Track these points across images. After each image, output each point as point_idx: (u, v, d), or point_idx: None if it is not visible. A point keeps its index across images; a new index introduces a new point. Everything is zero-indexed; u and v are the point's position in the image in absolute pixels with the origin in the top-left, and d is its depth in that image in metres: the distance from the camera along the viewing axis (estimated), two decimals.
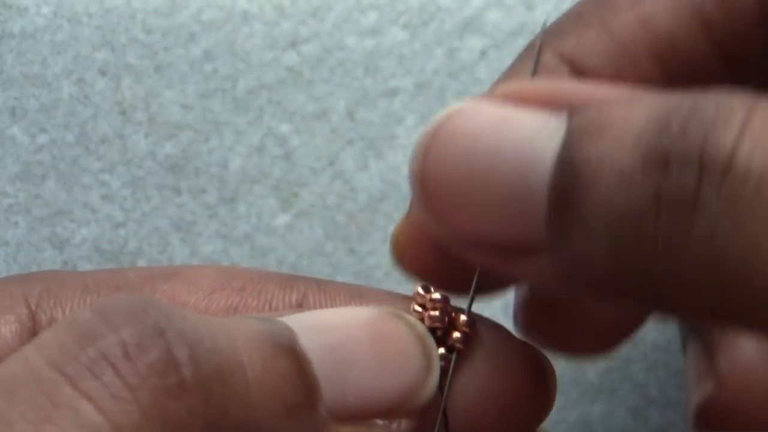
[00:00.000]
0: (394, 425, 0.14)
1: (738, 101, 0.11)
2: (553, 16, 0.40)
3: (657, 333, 0.36)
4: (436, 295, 0.16)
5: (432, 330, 0.16)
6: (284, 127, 0.37)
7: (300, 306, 0.16)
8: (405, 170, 0.37)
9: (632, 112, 0.11)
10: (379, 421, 0.14)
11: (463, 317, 0.16)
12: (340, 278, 0.36)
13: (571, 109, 0.12)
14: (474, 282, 0.16)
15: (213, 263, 0.36)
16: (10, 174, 0.37)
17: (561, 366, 0.36)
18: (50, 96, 0.38)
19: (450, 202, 0.14)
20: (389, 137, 0.37)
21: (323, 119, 0.37)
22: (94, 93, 0.38)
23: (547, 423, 0.36)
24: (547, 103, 0.12)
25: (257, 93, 0.38)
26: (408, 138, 0.37)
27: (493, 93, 0.14)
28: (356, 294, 0.17)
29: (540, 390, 0.17)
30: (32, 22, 0.38)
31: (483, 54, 0.38)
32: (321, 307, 0.16)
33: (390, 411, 0.14)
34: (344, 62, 0.38)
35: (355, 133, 0.37)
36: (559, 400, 0.36)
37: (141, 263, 0.37)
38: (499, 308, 0.36)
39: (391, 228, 0.38)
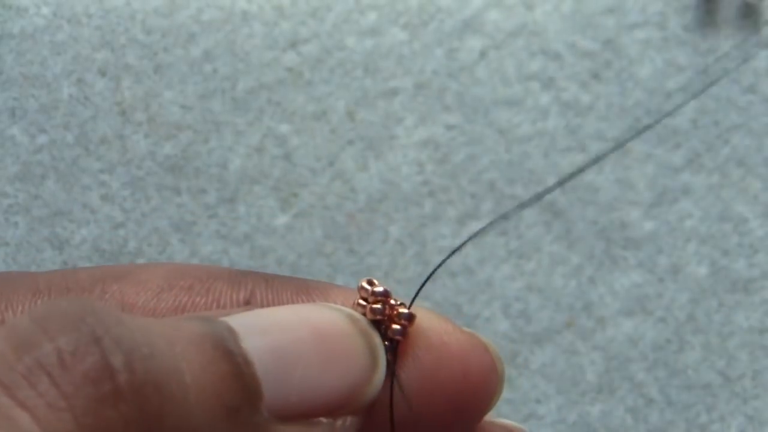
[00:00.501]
0: (339, 422, 0.14)
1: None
2: (552, 16, 0.40)
3: (657, 333, 0.36)
4: (378, 288, 0.16)
5: (375, 323, 0.16)
6: (284, 128, 0.37)
7: (248, 303, 0.16)
8: (404, 171, 0.37)
9: None
10: (324, 419, 0.14)
11: (401, 310, 0.16)
12: (339, 278, 0.36)
13: None
14: (423, 281, 0.17)
15: (212, 263, 0.36)
16: (10, 174, 0.37)
17: (561, 366, 0.36)
18: (50, 96, 0.38)
19: None
20: (389, 137, 0.37)
21: (323, 119, 0.37)
22: (93, 93, 0.38)
23: (545, 422, 0.36)
24: None
25: (257, 93, 0.38)
26: (408, 138, 0.37)
27: None
28: (303, 289, 0.17)
29: (485, 378, 0.17)
30: (32, 22, 0.38)
31: (483, 54, 0.38)
32: (268, 303, 0.16)
33: (335, 408, 0.14)
34: (344, 62, 0.38)
35: (354, 134, 0.37)
36: (559, 400, 0.36)
37: (141, 263, 0.37)
38: (498, 308, 0.36)
39: (391, 228, 0.38)
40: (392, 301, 0.16)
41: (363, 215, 0.37)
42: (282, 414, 0.14)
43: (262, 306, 0.16)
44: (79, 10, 0.38)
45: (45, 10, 0.38)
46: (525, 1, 0.38)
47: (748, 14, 0.38)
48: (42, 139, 0.37)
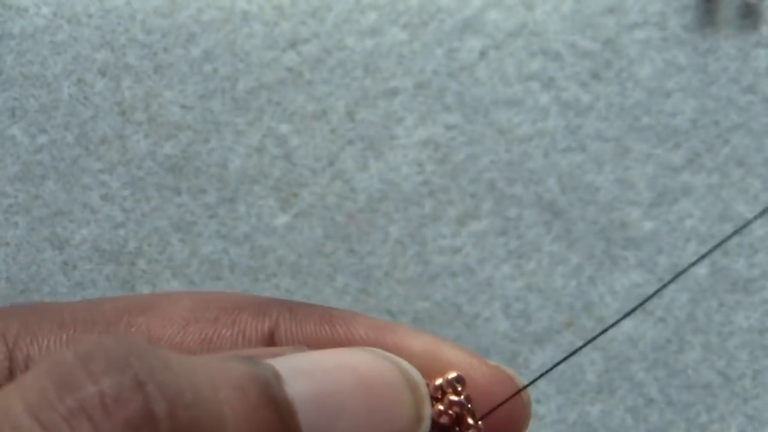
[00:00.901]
0: None
1: None
2: (552, 17, 0.40)
3: (657, 333, 0.36)
4: (455, 398, 0.16)
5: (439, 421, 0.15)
6: (284, 128, 0.37)
7: (272, 334, 0.16)
8: (405, 171, 0.37)
9: None
10: None
11: (469, 420, 0.16)
12: (340, 278, 0.36)
13: None
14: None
15: (213, 263, 0.36)
16: (10, 174, 0.37)
17: (561, 366, 0.36)
18: (50, 96, 0.38)
19: None
20: (389, 137, 0.37)
21: (323, 119, 0.37)
22: (93, 93, 0.38)
23: (545, 422, 0.36)
24: None
25: (257, 93, 0.38)
26: (408, 138, 0.37)
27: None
28: (326, 318, 0.16)
29: (516, 415, 0.17)
30: (32, 22, 0.38)
31: (483, 54, 0.38)
32: (293, 334, 0.16)
33: None
34: (344, 62, 0.38)
35: (354, 134, 0.37)
36: (559, 400, 0.36)
37: (141, 263, 0.37)
38: (498, 308, 0.36)
39: (391, 228, 0.38)
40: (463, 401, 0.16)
41: (363, 215, 0.37)
42: None
43: (287, 339, 0.16)
44: (79, 10, 0.38)
45: (45, 10, 0.38)
46: (525, 1, 0.38)
47: (748, 14, 0.38)
48: (42, 139, 0.37)
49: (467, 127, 0.37)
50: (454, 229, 0.37)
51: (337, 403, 0.14)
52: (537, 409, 0.36)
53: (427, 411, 0.15)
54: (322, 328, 0.16)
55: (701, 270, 0.36)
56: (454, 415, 0.15)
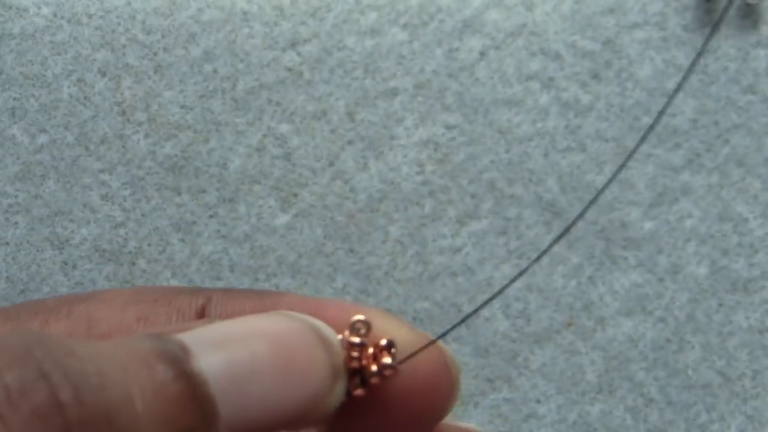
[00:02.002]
0: None
1: None
2: (552, 17, 0.40)
3: (656, 333, 0.36)
4: (355, 340, 0.15)
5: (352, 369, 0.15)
6: (284, 128, 0.37)
7: (203, 309, 0.16)
8: (404, 171, 0.37)
9: None
10: None
11: (385, 360, 0.16)
12: (339, 278, 0.37)
13: None
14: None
15: (213, 263, 0.37)
16: (10, 174, 0.37)
17: (561, 366, 0.36)
18: (50, 96, 0.38)
19: None
20: (389, 137, 0.37)
21: (323, 119, 0.37)
22: (93, 93, 0.38)
23: (545, 422, 0.36)
24: None
25: (257, 93, 0.38)
26: (408, 138, 0.37)
27: None
28: (256, 295, 0.16)
29: (442, 386, 0.17)
30: (32, 22, 0.38)
31: (483, 54, 0.38)
32: (223, 307, 0.16)
33: (295, 421, 0.14)
34: (344, 62, 0.38)
35: (354, 134, 0.37)
36: (559, 400, 0.36)
37: (141, 263, 0.37)
38: (498, 308, 0.36)
39: (391, 228, 0.38)
40: (381, 343, 0.16)
41: (363, 215, 0.37)
42: (240, 428, 0.13)
43: (216, 312, 0.16)
44: (79, 10, 0.38)
45: (45, 10, 0.38)
46: (525, 1, 0.38)
47: (748, 14, 0.38)
48: (42, 138, 0.37)
49: (467, 127, 0.37)
50: (454, 229, 0.37)
51: (250, 369, 0.14)
52: (537, 409, 0.36)
53: (342, 365, 0.15)
54: (251, 300, 0.16)
55: (701, 270, 0.36)
56: (356, 355, 0.15)
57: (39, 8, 0.38)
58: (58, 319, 0.16)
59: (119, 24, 0.38)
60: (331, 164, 0.37)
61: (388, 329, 0.16)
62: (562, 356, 0.36)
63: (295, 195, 0.37)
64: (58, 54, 0.38)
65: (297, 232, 0.37)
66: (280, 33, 0.38)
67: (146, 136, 0.37)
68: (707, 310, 0.36)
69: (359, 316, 0.16)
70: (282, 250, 0.37)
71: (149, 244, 0.37)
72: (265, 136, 0.37)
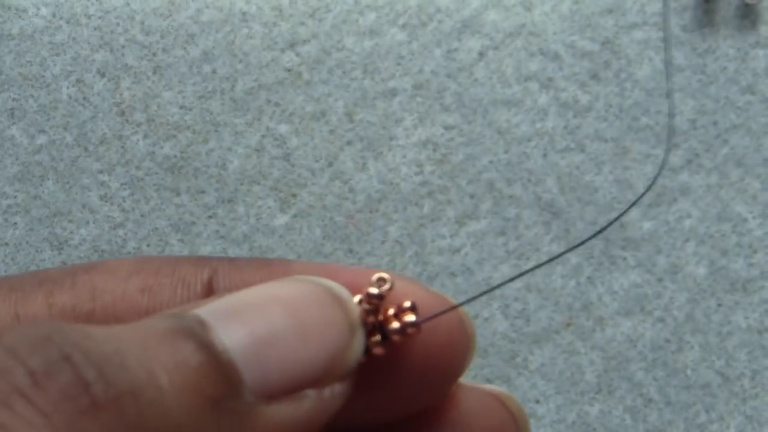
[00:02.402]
0: (327, 392, 0.14)
1: None
2: (551, 17, 0.40)
3: (655, 333, 0.36)
4: (373, 290, 0.16)
5: (368, 322, 0.15)
6: (283, 128, 0.37)
7: (210, 280, 0.16)
8: (404, 171, 0.37)
9: None
10: (310, 391, 0.14)
11: (408, 318, 0.16)
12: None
13: None
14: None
15: None
16: (9, 175, 0.37)
17: (560, 366, 0.36)
18: (49, 97, 0.38)
19: None
20: (388, 138, 0.37)
21: (322, 120, 0.37)
22: (93, 94, 0.38)
23: (544, 422, 0.36)
24: None
25: (256, 94, 0.38)
26: (407, 139, 0.37)
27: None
28: (264, 263, 0.17)
29: (458, 342, 0.17)
30: (31, 23, 0.38)
31: (482, 54, 0.38)
32: (231, 279, 0.16)
33: (318, 379, 0.14)
34: (343, 63, 0.38)
35: (353, 134, 0.37)
36: (558, 400, 0.36)
37: None
38: (497, 308, 0.36)
39: (390, 228, 0.38)
40: (405, 304, 0.16)
41: (362, 215, 0.37)
42: (266, 394, 0.14)
43: (224, 283, 0.16)
44: (78, 10, 0.38)
45: (44, 11, 0.38)
46: (524, 1, 0.38)
47: (747, 14, 0.38)
48: (41, 139, 0.37)
49: (466, 128, 0.37)
50: (453, 230, 0.37)
51: (267, 334, 0.14)
52: (536, 409, 0.36)
53: (358, 320, 0.15)
54: (260, 271, 0.16)
55: (700, 270, 0.36)
56: (373, 308, 0.15)
57: (38, 9, 0.38)
58: (63, 290, 0.16)
59: (118, 24, 0.38)
60: (330, 165, 0.37)
61: (409, 291, 0.16)
62: (561, 356, 0.36)
63: (294, 195, 0.37)
64: (57, 54, 0.38)
65: (296, 233, 0.37)
66: (279, 33, 0.38)
67: (145, 136, 0.37)
68: (706, 310, 0.36)
69: (382, 273, 0.16)
70: (281, 250, 0.37)
71: (148, 245, 0.37)
72: (264, 136, 0.37)
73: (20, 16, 0.38)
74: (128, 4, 0.38)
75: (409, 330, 0.16)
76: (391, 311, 0.16)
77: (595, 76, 0.37)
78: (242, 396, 0.13)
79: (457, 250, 0.37)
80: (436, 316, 0.16)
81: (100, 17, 0.38)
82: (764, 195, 0.37)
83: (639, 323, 0.36)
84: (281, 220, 0.37)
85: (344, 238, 0.37)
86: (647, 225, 0.36)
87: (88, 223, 0.37)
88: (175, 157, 0.37)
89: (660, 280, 0.36)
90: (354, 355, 0.15)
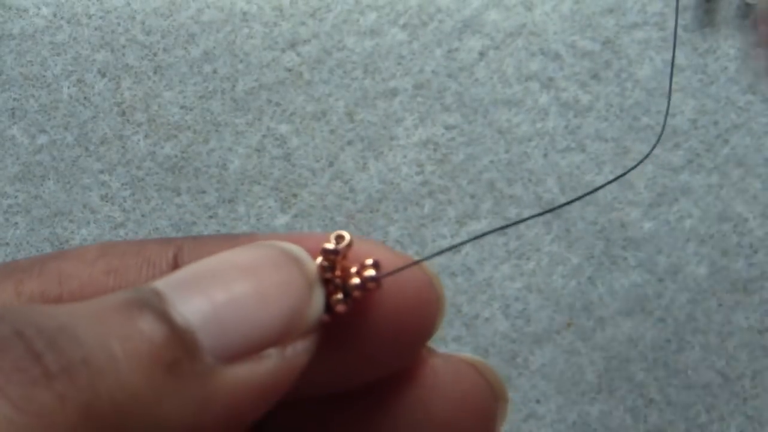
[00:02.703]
0: (289, 350, 0.14)
1: None
2: (552, 17, 0.40)
3: (656, 333, 0.36)
4: (329, 246, 0.16)
5: (327, 279, 0.16)
6: (283, 128, 0.37)
7: (175, 258, 0.17)
8: (404, 171, 0.37)
9: None
10: (273, 351, 0.14)
11: (368, 272, 0.16)
12: None
13: None
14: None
15: None
16: (10, 175, 0.37)
17: (560, 366, 0.36)
18: (50, 97, 0.38)
19: None
20: (388, 138, 0.37)
21: (322, 120, 0.37)
22: (93, 94, 0.38)
23: (545, 422, 0.36)
24: None
25: (256, 94, 0.38)
26: (407, 138, 0.37)
27: None
28: (229, 238, 0.17)
29: (427, 303, 0.17)
30: (32, 23, 0.38)
31: (482, 54, 0.38)
32: (196, 255, 0.17)
33: (279, 338, 0.14)
34: (343, 63, 0.38)
35: (354, 134, 0.37)
36: (558, 400, 0.36)
37: None
38: (498, 308, 0.36)
39: (391, 228, 0.38)
40: (367, 262, 0.16)
41: (362, 215, 0.37)
42: (225, 355, 0.14)
43: (189, 259, 0.16)
44: (79, 10, 0.38)
45: (45, 11, 0.38)
46: (524, 1, 0.38)
47: (748, 14, 0.38)
48: (42, 139, 0.37)
49: (467, 128, 0.37)
50: (453, 230, 0.37)
51: (225, 298, 0.14)
52: (536, 409, 0.36)
53: (316, 276, 0.15)
54: (225, 245, 0.16)
55: (701, 270, 0.36)
56: (331, 264, 0.15)
57: (39, 9, 0.38)
58: (31, 278, 0.16)
59: (119, 24, 0.38)
60: (331, 165, 0.37)
61: (371, 249, 0.16)
62: (561, 356, 0.36)
63: (295, 195, 0.37)
64: (58, 54, 0.38)
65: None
66: (279, 33, 0.38)
67: (146, 136, 0.37)
68: (707, 311, 0.36)
69: (340, 232, 0.16)
70: None
71: None
72: (264, 136, 0.37)
73: (21, 16, 0.38)
74: (129, 4, 0.38)
75: (370, 285, 0.16)
76: (354, 270, 0.16)
77: (595, 76, 0.37)
78: (201, 359, 0.13)
79: (458, 250, 0.37)
80: (396, 271, 0.16)
81: (100, 17, 0.38)
82: (765, 195, 0.37)
83: (640, 323, 0.36)
84: (282, 220, 0.37)
85: None
86: (648, 225, 0.36)
87: (88, 223, 0.37)
88: (176, 157, 0.37)
89: (661, 280, 0.36)
90: (314, 310, 0.15)
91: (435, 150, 0.37)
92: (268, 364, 0.14)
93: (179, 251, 0.17)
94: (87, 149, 0.37)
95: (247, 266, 0.15)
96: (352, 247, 0.16)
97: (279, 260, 0.15)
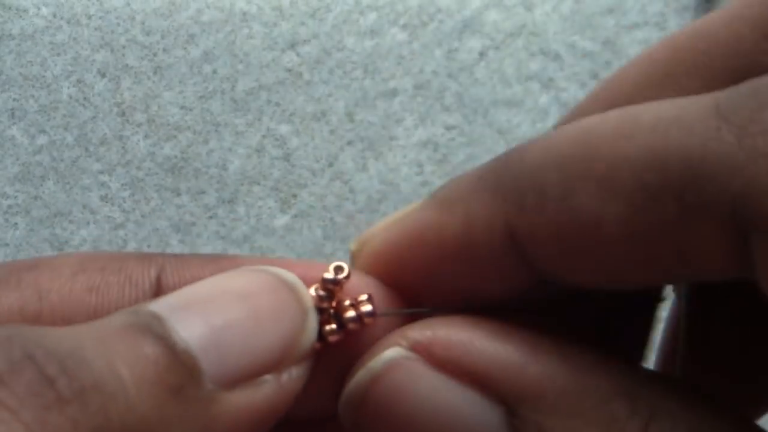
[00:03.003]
0: (285, 376, 0.15)
1: None
2: (552, 17, 0.40)
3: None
4: (328, 275, 0.16)
5: (323, 309, 0.16)
6: (283, 128, 0.37)
7: (158, 278, 0.17)
8: (404, 171, 0.37)
9: None
10: (269, 377, 0.15)
11: (364, 308, 0.16)
12: None
13: (509, 404, 0.14)
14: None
15: None
16: (10, 175, 0.37)
17: None
18: (50, 97, 0.38)
19: None
20: (388, 138, 0.37)
21: (322, 120, 0.37)
22: (93, 94, 0.38)
23: None
24: (486, 385, 0.14)
25: (256, 94, 0.38)
26: (407, 139, 0.37)
27: (434, 342, 0.14)
28: (211, 259, 0.17)
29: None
30: (32, 23, 0.38)
31: (482, 54, 0.38)
32: (179, 276, 0.17)
33: (275, 364, 0.15)
34: (343, 63, 0.38)
35: (354, 134, 0.37)
36: None
37: None
38: None
39: None
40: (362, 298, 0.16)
41: (362, 216, 0.37)
42: (225, 381, 0.14)
43: (173, 280, 0.17)
44: (78, 10, 0.38)
45: (45, 11, 0.38)
46: (524, 1, 0.38)
47: None
48: (42, 139, 0.37)
49: (467, 128, 0.37)
50: None
51: (223, 324, 0.14)
52: None
53: (310, 304, 0.16)
54: (208, 266, 0.17)
55: None
56: (328, 294, 0.16)
57: (38, 9, 0.38)
58: (9, 288, 0.16)
59: (119, 25, 0.38)
60: (331, 165, 0.37)
61: (364, 283, 0.17)
62: None
63: (295, 196, 0.37)
64: (58, 55, 0.38)
65: (296, 233, 0.37)
66: (279, 34, 0.38)
67: (146, 136, 0.37)
68: None
69: (339, 263, 0.16)
70: (281, 250, 0.37)
71: (149, 245, 0.37)
72: (264, 136, 0.37)
73: (21, 17, 0.38)
74: (129, 5, 0.38)
75: (366, 320, 0.16)
76: (348, 302, 0.16)
77: (596, 76, 0.37)
78: (202, 385, 0.14)
79: None
80: (394, 313, 0.16)
81: (100, 17, 0.38)
82: None
83: None
84: (282, 220, 0.37)
85: (345, 238, 0.37)
86: None
87: (88, 223, 0.37)
88: (176, 157, 0.37)
89: None
90: (308, 337, 0.15)
91: (435, 150, 0.37)
92: (265, 390, 0.14)
93: (162, 271, 0.17)
94: (87, 150, 0.37)
95: (242, 291, 0.15)
96: (349, 279, 0.16)
97: (273, 285, 0.15)
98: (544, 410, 0.13)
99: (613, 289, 0.13)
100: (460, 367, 0.14)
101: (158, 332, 0.14)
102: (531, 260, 0.13)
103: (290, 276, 0.16)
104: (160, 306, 0.14)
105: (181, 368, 0.13)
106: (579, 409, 0.13)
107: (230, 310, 0.15)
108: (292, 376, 0.15)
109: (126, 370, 0.13)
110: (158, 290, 0.17)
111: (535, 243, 0.13)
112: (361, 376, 0.15)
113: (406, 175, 0.37)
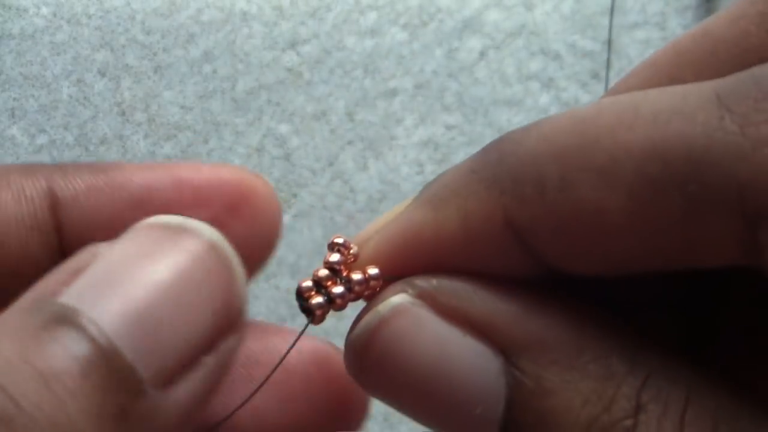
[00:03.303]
0: (222, 347, 0.13)
1: None
2: (552, 17, 0.40)
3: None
4: (323, 272, 0.16)
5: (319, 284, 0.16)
6: (283, 128, 0.37)
7: (50, 191, 0.15)
8: (404, 171, 0.37)
9: (569, 399, 0.12)
10: (207, 357, 0.13)
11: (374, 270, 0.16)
12: None
13: (508, 354, 0.13)
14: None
15: None
16: None
17: None
18: (50, 97, 0.38)
19: (393, 400, 0.14)
20: (389, 138, 0.37)
21: (322, 120, 0.37)
22: (93, 94, 0.38)
23: None
24: (487, 334, 0.14)
25: (256, 94, 0.38)
26: (407, 138, 0.37)
27: (439, 293, 0.14)
28: (99, 169, 0.16)
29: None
30: (32, 23, 0.38)
31: (482, 54, 0.38)
32: (73, 186, 0.15)
33: (210, 343, 0.13)
34: (343, 63, 0.38)
35: (354, 134, 0.37)
36: None
37: None
38: None
39: None
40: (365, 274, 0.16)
41: (363, 215, 0.37)
42: (166, 377, 0.13)
43: (68, 191, 0.15)
44: (78, 10, 0.38)
45: (45, 11, 0.38)
46: (525, 1, 0.38)
47: None
48: (42, 139, 0.37)
49: (467, 127, 0.37)
50: None
51: (150, 322, 0.13)
52: None
53: (234, 257, 0.14)
54: (98, 176, 0.16)
55: None
56: (331, 275, 0.16)
57: (39, 8, 0.38)
58: None
59: (119, 24, 0.38)
60: (331, 164, 0.37)
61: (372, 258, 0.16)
62: None
63: (295, 195, 0.37)
64: (58, 54, 0.38)
65: (297, 233, 0.36)
66: (279, 33, 0.38)
67: (146, 136, 0.37)
68: None
69: (338, 238, 0.16)
70: (281, 250, 0.37)
71: None
72: (264, 136, 0.37)
73: (21, 16, 0.38)
74: (129, 4, 0.38)
75: (372, 282, 0.16)
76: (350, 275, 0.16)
77: (596, 76, 0.37)
78: (145, 392, 0.12)
79: None
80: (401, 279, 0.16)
81: (100, 17, 0.38)
82: None
83: None
84: (282, 220, 0.37)
85: None
86: None
87: None
88: (176, 157, 0.37)
89: None
90: (240, 300, 0.14)
91: (435, 150, 0.37)
92: (206, 371, 0.13)
93: (53, 183, 0.15)
94: (87, 149, 0.37)
95: (158, 263, 0.13)
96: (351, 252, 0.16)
97: (189, 246, 0.13)
98: (542, 362, 0.13)
99: (616, 276, 0.13)
100: (464, 315, 0.14)
101: (82, 326, 0.12)
102: (532, 251, 0.13)
103: (204, 228, 0.14)
104: (72, 299, 0.12)
105: (123, 384, 0.12)
106: (577, 362, 0.12)
107: (155, 306, 0.13)
108: (230, 345, 0.13)
109: (42, 398, 0.11)
110: (53, 203, 0.15)
111: (536, 234, 0.13)
112: (368, 319, 0.14)
113: (407, 175, 0.37)
